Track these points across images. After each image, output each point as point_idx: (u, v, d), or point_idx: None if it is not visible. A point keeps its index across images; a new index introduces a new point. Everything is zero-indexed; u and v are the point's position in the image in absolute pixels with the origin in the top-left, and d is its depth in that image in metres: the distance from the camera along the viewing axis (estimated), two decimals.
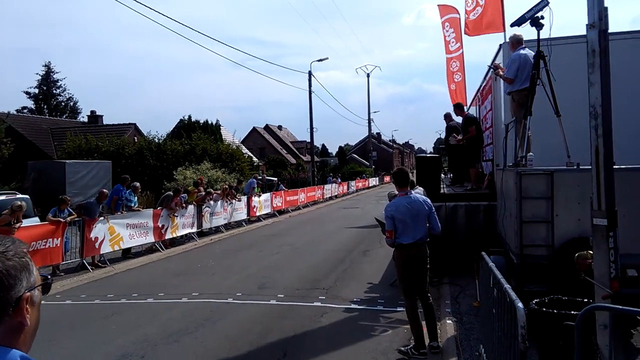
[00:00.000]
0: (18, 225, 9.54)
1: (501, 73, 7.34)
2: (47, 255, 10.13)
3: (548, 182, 5.96)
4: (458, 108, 11.22)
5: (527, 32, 7.48)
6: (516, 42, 7.26)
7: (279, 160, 52.80)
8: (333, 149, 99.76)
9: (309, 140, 41.07)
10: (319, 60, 37.55)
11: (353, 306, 7.60)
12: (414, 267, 5.49)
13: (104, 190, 12.35)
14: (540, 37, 7.00)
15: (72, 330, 6.87)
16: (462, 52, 19.21)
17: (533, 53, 7.03)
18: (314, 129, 36.75)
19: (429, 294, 5.73)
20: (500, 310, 3.57)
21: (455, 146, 11.23)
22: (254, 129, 63.35)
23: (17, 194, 14.06)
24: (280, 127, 72.33)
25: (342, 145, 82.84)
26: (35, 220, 11.72)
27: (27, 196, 13.95)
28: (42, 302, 4.79)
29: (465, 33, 10.82)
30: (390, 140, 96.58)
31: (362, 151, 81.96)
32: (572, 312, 3.80)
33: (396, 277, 8.75)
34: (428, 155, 9.96)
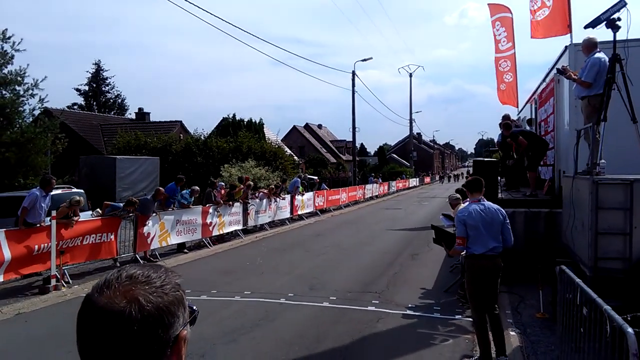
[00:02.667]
0: (76, 218, 9.79)
1: (574, 76, 6.99)
2: (102, 250, 10.37)
3: (627, 192, 5.62)
4: (506, 128, 10.83)
5: (600, 34, 7.14)
6: (591, 45, 6.90)
7: (319, 159, 52.78)
8: (371, 149, 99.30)
9: (348, 139, 40.94)
10: (363, 60, 37.29)
11: (409, 312, 7.43)
12: (485, 279, 5.26)
13: (161, 188, 12.57)
14: (617, 39, 6.66)
15: None
16: (514, 52, 18.66)
17: (607, 57, 6.68)
18: (356, 129, 36.52)
19: (496, 306, 5.50)
20: (592, 331, 3.35)
21: (510, 148, 10.84)
22: (294, 128, 63.58)
23: (72, 188, 14.49)
24: (320, 126, 72.35)
25: (382, 145, 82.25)
26: (89, 215, 12.03)
27: (82, 190, 14.38)
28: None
29: (532, 36, 10.34)
30: (430, 141, 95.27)
31: (402, 151, 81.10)
32: None
33: (452, 284, 8.59)
34: (486, 159, 9.62)
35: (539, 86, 13.14)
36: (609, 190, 5.70)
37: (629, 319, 4.29)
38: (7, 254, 8.23)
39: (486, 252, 5.19)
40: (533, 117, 14.23)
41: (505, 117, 11.98)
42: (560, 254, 7.48)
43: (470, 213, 5.24)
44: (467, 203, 5.49)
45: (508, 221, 5.44)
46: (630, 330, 2.63)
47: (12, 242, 8.37)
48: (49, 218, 9.22)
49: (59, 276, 9.02)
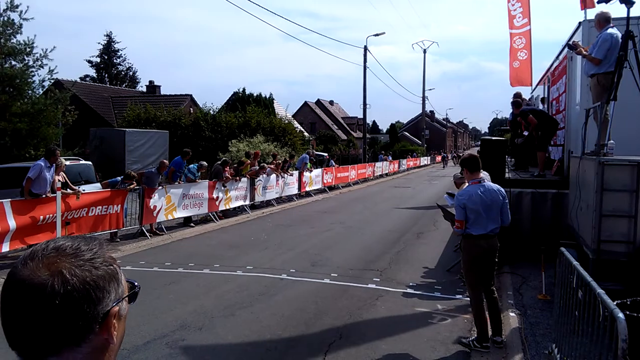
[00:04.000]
0: (79, 189, 9.78)
1: (584, 52, 6.77)
2: (108, 221, 10.45)
3: (633, 173, 5.48)
4: (516, 106, 10.57)
5: (614, 9, 6.89)
6: (604, 20, 6.66)
7: (329, 136, 52.56)
8: (384, 126, 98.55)
9: (360, 116, 40.63)
10: (375, 35, 36.69)
11: (409, 291, 7.41)
12: (482, 259, 5.19)
13: (165, 160, 12.60)
14: (630, 15, 6.41)
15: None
16: (530, 28, 18.18)
17: (621, 33, 6.45)
18: (367, 106, 36.18)
19: (493, 287, 5.45)
20: (587, 314, 3.29)
21: (519, 127, 10.63)
22: (306, 104, 63.22)
23: (80, 159, 14.58)
24: (331, 102, 71.84)
25: (394, 123, 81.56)
26: (97, 187, 12.11)
27: (89, 162, 14.46)
28: None
29: (582, 7, 9.74)
30: (443, 119, 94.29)
31: (414, 129, 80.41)
32: None
33: (455, 263, 8.54)
34: (493, 138, 9.43)
35: (552, 64, 12.82)
36: (615, 171, 5.56)
37: (628, 303, 4.23)
38: (13, 224, 8.32)
39: (485, 233, 5.11)
40: (545, 95, 13.94)
41: (517, 95, 11.73)
42: (566, 236, 7.38)
43: (470, 196, 5.14)
44: (467, 185, 5.38)
45: (507, 201, 5.35)
46: (621, 315, 2.56)
47: (17, 212, 8.46)
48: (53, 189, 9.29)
49: None
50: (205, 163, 14.08)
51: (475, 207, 5.07)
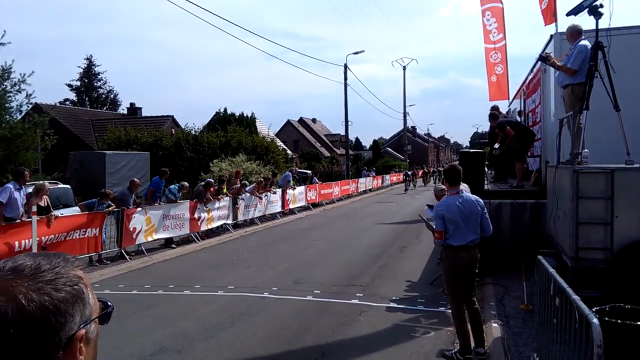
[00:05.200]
0: (54, 214, 9.58)
1: (557, 63, 6.89)
2: (87, 245, 10.25)
3: (608, 181, 5.54)
4: (493, 118, 10.72)
5: (583, 21, 7.05)
6: (576, 32, 6.81)
7: (312, 154, 52.66)
8: (366, 142, 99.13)
9: (343, 133, 40.77)
10: (355, 53, 37.13)
11: (392, 305, 7.36)
12: (463, 270, 5.18)
13: (135, 179, 12.45)
14: (599, 26, 6.57)
15: (110, 321, 6.86)
16: (505, 43, 18.53)
17: (590, 44, 6.59)
18: (349, 122, 36.39)
19: (474, 298, 5.43)
20: (563, 321, 3.28)
21: (497, 139, 10.74)
22: (288, 122, 63.40)
23: (59, 183, 14.38)
24: (314, 120, 72.17)
25: (377, 139, 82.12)
26: (75, 210, 11.91)
27: (68, 186, 14.26)
28: None
29: (545, 23, 10.15)
30: (425, 134, 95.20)
31: (397, 145, 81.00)
32: None
33: (437, 276, 8.52)
34: (472, 150, 9.53)
35: (527, 77, 13.05)
36: (590, 179, 5.62)
37: (607, 309, 4.24)
38: None
39: (465, 244, 5.11)
40: (522, 108, 14.17)
41: (494, 108, 11.89)
42: (545, 245, 7.42)
43: (449, 207, 5.15)
44: (446, 196, 5.39)
45: (486, 211, 5.36)
46: (595, 320, 2.55)
47: None
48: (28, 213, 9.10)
49: None
50: (186, 183, 13.96)
51: (454, 217, 5.07)
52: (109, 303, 0.99)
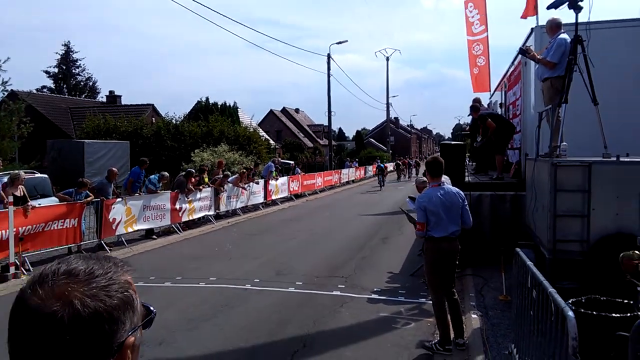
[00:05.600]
0: (30, 204, 9.40)
1: (537, 57, 6.96)
2: (65, 236, 10.10)
3: (585, 174, 5.65)
4: (474, 110, 10.80)
5: (562, 15, 7.13)
6: (556, 26, 6.88)
7: (295, 144, 52.53)
8: (350, 133, 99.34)
9: (326, 123, 40.75)
10: (338, 43, 37.00)
11: (374, 296, 7.41)
12: (444, 262, 5.24)
13: (113, 168, 12.29)
14: (579, 20, 6.64)
15: None
16: (487, 35, 18.65)
17: (570, 38, 6.67)
18: (332, 113, 36.35)
19: (454, 289, 5.50)
20: (540, 313, 3.34)
21: (478, 131, 10.84)
22: (271, 112, 63.04)
23: (35, 173, 14.08)
24: (297, 110, 71.89)
25: (360, 130, 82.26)
26: (53, 200, 11.70)
27: (45, 175, 13.99)
28: None
29: (523, 16, 10.17)
30: (408, 125, 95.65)
31: (380, 136, 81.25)
32: (624, 315, 3.55)
33: (418, 267, 8.60)
34: (452, 142, 9.61)
35: (508, 69, 13.18)
36: (568, 172, 5.72)
37: (583, 301, 4.33)
38: None
39: (446, 235, 5.17)
40: (503, 100, 14.30)
41: (475, 100, 11.97)
42: (524, 236, 7.54)
43: (430, 198, 5.20)
44: (428, 188, 5.43)
45: (466, 203, 5.42)
46: (570, 313, 2.60)
47: None
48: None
49: (18, 263, 8.76)
50: (166, 173, 13.81)
51: (436, 209, 5.12)
52: (152, 308, 0.98)
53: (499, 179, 9.69)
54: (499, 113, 13.16)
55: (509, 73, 12.77)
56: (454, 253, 5.28)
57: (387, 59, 57.90)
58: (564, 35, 6.84)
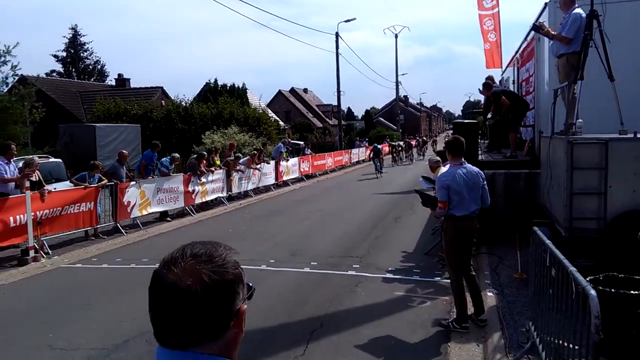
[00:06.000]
0: (46, 188, 9.51)
1: (552, 32, 6.85)
2: (82, 219, 10.25)
3: (602, 151, 5.61)
4: (486, 88, 10.62)
5: None
6: (570, 1, 6.74)
7: (305, 124, 52.36)
8: (359, 112, 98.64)
9: (335, 103, 40.55)
10: (346, 21, 36.89)
11: (388, 275, 7.48)
12: (464, 240, 5.28)
13: (124, 151, 12.42)
14: None
15: (110, 295, 6.95)
16: (498, 10, 18.36)
17: (585, 13, 6.55)
18: (341, 92, 36.11)
19: (471, 267, 5.54)
20: (560, 291, 3.36)
21: (495, 111, 10.72)
22: (280, 92, 62.73)
23: (50, 157, 14.23)
24: (305, 90, 71.46)
25: (369, 109, 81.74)
26: (68, 184, 11.84)
27: (59, 160, 14.14)
28: (80, 265, 4.77)
29: None
30: (417, 104, 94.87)
31: (389, 114, 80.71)
32: None
33: (432, 246, 8.64)
34: (465, 121, 9.53)
35: (520, 45, 12.98)
36: (584, 150, 5.68)
37: (601, 278, 4.34)
38: None
39: (467, 214, 5.19)
40: (515, 77, 14.13)
41: (488, 78, 11.85)
42: (539, 215, 7.53)
43: (454, 177, 5.18)
44: (449, 166, 5.40)
45: (486, 182, 5.44)
46: (593, 292, 2.62)
47: None
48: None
49: (37, 247, 8.92)
50: (177, 155, 13.87)
51: (459, 188, 5.13)
52: (251, 284, 1.18)
53: (512, 157, 9.64)
54: (512, 90, 13.01)
55: (521, 49, 12.58)
56: (474, 232, 5.31)
57: (396, 36, 57.22)
58: (578, 10, 6.72)
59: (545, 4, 9.18)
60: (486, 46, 18.50)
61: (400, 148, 36.78)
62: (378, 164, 25.07)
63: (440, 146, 41.83)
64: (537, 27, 7.33)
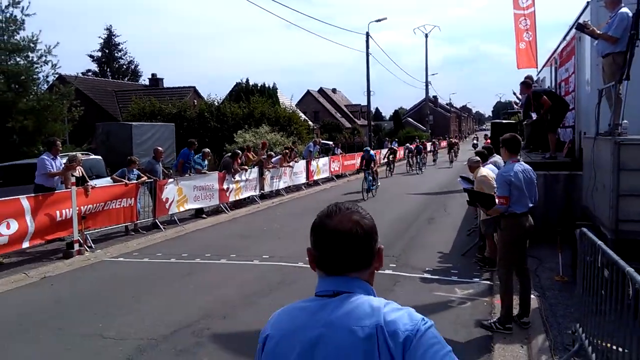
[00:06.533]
0: (90, 184, 9.84)
1: (598, 32, 6.74)
2: (123, 214, 10.54)
3: None
4: (526, 86, 10.44)
5: None
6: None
7: (333, 124, 52.44)
8: (386, 113, 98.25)
9: (363, 103, 40.48)
10: (377, 21, 36.47)
11: (426, 276, 7.47)
12: (524, 238, 5.28)
13: (159, 148, 12.73)
14: None
15: (154, 288, 7.15)
16: (534, 9, 18.09)
17: (631, 12, 6.42)
18: (371, 92, 36.02)
19: (527, 266, 5.53)
20: (614, 293, 3.33)
21: (535, 111, 10.53)
22: (308, 92, 62.96)
23: (90, 154, 14.65)
24: (334, 90, 71.56)
25: (398, 109, 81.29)
26: (107, 181, 12.17)
27: (99, 157, 14.53)
28: (122, 259, 4.95)
29: None
30: (447, 104, 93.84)
31: (418, 115, 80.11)
32: None
33: (469, 248, 8.59)
34: (504, 121, 9.43)
35: (559, 45, 12.75)
36: (631, 151, 5.58)
37: None
38: (31, 221, 8.40)
39: (526, 211, 5.19)
40: (553, 77, 13.88)
41: (527, 77, 11.67)
42: (580, 217, 7.41)
43: (516, 173, 5.17)
44: (510, 163, 5.33)
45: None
46: None
47: (35, 208, 8.53)
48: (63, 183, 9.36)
49: (81, 241, 9.22)
50: (207, 150, 14.11)
51: (520, 183, 5.13)
52: None
53: (552, 159, 9.50)
54: (552, 90, 12.79)
55: (560, 48, 12.36)
56: (531, 228, 5.30)
57: (426, 35, 56.64)
58: (625, 9, 6.59)
59: (588, 2, 9.02)
60: (521, 45, 18.24)
61: (414, 151, 29.77)
62: (370, 178, 17.17)
63: (464, 151, 38.25)
64: (581, 26, 7.20)
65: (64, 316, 6.06)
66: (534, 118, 10.21)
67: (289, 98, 38.12)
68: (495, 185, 5.89)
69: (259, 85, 31.42)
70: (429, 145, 39.51)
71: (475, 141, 48.88)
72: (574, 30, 10.13)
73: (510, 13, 18.40)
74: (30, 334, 5.53)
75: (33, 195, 8.76)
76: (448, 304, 6.23)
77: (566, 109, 9.99)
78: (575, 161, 9.11)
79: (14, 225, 8.12)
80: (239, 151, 15.33)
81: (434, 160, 36.02)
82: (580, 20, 8.65)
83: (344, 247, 1.31)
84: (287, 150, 18.58)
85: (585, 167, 7.37)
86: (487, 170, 7.46)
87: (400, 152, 34.66)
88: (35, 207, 8.55)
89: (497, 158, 8.06)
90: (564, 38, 11.99)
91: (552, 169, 8.96)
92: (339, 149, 27.55)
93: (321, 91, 66.84)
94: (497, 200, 5.27)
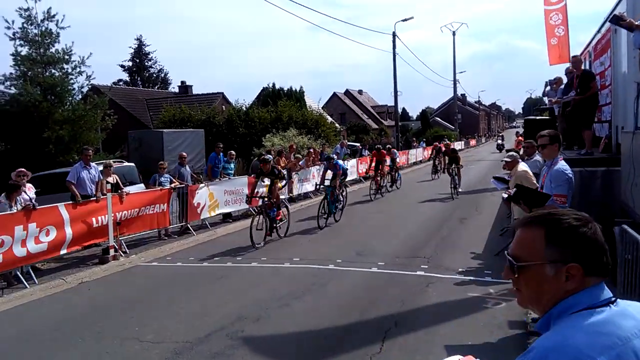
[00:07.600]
0: (124, 191, 10.08)
1: (636, 23, 6.53)
2: (156, 220, 10.73)
3: None
4: (577, 63, 9.92)
5: None
6: None
7: (360, 126, 52.32)
8: (413, 113, 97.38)
9: (389, 104, 40.25)
10: (403, 20, 36.36)
11: (459, 276, 7.36)
12: None
13: (182, 153, 12.97)
14: None
15: (188, 291, 7.24)
16: (565, 3, 17.65)
17: None
18: (398, 92, 35.80)
19: None
20: None
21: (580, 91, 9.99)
22: (335, 94, 62.98)
23: (124, 162, 14.99)
24: (360, 92, 71.38)
25: (425, 109, 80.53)
26: (141, 187, 12.43)
27: (132, 164, 14.86)
28: (156, 263, 5.02)
29: None
30: (475, 102, 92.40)
31: (446, 114, 79.12)
32: None
33: (503, 248, 8.40)
34: (537, 117, 9.19)
35: (593, 38, 12.41)
36: None
37: None
38: (69, 228, 8.63)
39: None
40: None
41: (576, 62, 11.02)
42: (618, 214, 7.18)
43: (572, 171, 5.07)
44: (561, 160, 5.16)
45: None
46: None
47: (72, 215, 8.76)
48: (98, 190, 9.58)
49: (116, 247, 9.43)
50: (233, 152, 14.32)
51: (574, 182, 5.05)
52: None
53: (588, 155, 9.23)
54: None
55: (595, 41, 12.02)
56: None
57: (454, 33, 56.05)
58: None
59: None
60: (552, 41, 17.80)
61: (441, 155, 23.46)
62: (328, 204, 12.34)
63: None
64: (617, 18, 6.99)
65: (102, 320, 6.20)
66: (573, 95, 9.72)
67: (315, 101, 38.24)
68: (534, 182, 5.75)
69: (286, 89, 31.59)
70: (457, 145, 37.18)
71: (499, 140, 47.68)
72: (608, 22, 9.84)
73: (541, 5, 18.01)
74: (70, 338, 5.67)
75: (71, 203, 8.99)
76: (482, 305, 6.12)
77: (596, 105, 9.70)
78: (613, 157, 8.83)
79: (53, 233, 8.36)
80: (269, 157, 15.44)
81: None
82: (616, 12, 8.40)
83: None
84: (310, 150, 18.71)
85: (624, 162, 7.14)
86: (527, 166, 7.30)
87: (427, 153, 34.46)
88: (73, 215, 8.79)
89: (538, 157, 7.91)
90: (599, 30, 11.65)
91: (589, 165, 8.71)
92: (366, 151, 27.43)
93: (347, 93, 66.77)
94: (557, 199, 4.87)
